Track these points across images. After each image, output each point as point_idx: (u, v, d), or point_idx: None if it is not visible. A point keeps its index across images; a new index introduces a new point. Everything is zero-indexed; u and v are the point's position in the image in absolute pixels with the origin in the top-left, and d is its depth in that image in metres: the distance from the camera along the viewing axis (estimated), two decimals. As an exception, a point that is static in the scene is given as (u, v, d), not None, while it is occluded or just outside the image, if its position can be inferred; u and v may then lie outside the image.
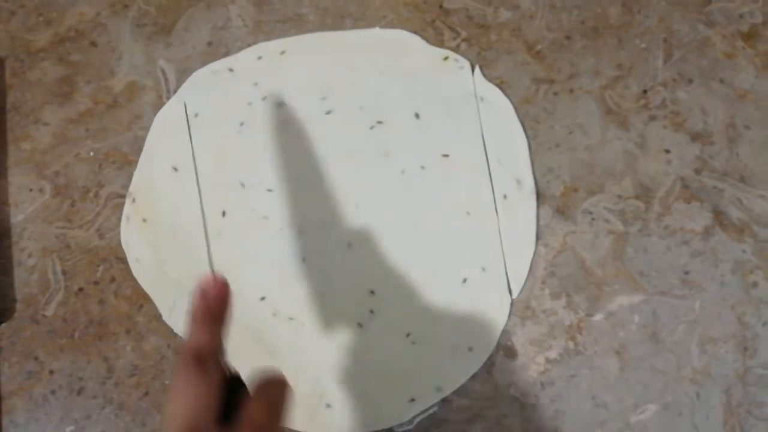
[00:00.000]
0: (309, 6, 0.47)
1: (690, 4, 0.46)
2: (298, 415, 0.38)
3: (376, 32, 0.46)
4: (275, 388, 0.30)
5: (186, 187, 0.42)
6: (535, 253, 0.41)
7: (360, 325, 0.40)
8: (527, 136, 0.43)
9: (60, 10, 0.47)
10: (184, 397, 0.27)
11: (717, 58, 0.45)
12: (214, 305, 0.30)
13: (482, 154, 0.43)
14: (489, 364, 0.39)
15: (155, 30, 0.47)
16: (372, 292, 0.40)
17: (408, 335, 0.40)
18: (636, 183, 0.42)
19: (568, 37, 0.46)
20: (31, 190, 0.43)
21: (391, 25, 0.46)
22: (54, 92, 0.45)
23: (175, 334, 0.40)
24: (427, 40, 0.46)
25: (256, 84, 0.45)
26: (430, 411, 0.39)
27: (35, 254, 0.42)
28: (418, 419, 0.39)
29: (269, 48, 0.46)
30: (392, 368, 0.39)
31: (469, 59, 0.45)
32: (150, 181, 0.43)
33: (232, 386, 0.30)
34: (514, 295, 0.40)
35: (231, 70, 0.45)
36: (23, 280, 0.41)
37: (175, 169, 0.42)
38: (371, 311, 0.40)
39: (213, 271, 0.41)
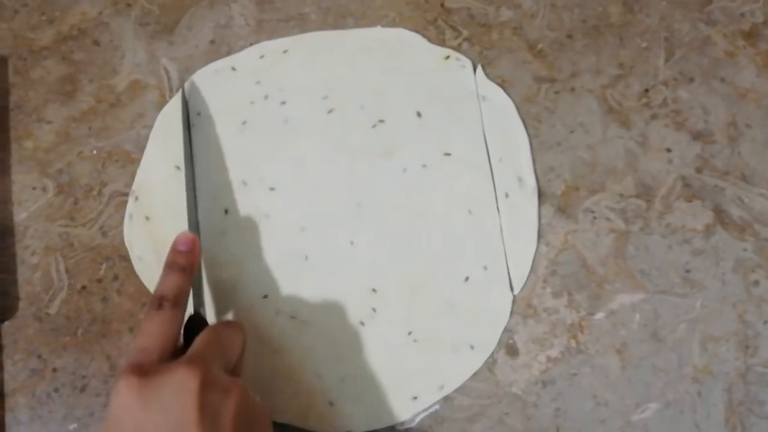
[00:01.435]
0: (311, 5, 0.47)
1: (691, 3, 0.46)
2: (300, 412, 0.38)
3: (378, 31, 0.46)
4: (223, 328, 0.34)
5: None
6: (536, 252, 0.41)
7: (362, 323, 0.40)
8: (529, 135, 0.43)
9: (63, 9, 0.47)
10: (140, 335, 0.32)
11: (718, 57, 0.45)
12: (180, 257, 0.35)
13: (484, 152, 0.43)
14: (491, 363, 0.39)
15: (158, 29, 0.47)
16: (374, 290, 0.40)
17: (410, 333, 0.40)
18: (637, 182, 0.42)
19: (569, 36, 0.46)
20: (34, 188, 0.43)
21: (393, 24, 0.46)
22: (57, 91, 0.45)
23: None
24: (429, 39, 0.46)
25: (258, 83, 0.45)
26: (432, 409, 0.39)
27: (38, 252, 0.42)
28: (420, 417, 0.39)
29: (271, 47, 0.46)
30: (394, 366, 0.39)
31: (470, 58, 0.45)
32: (153, 179, 0.43)
33: (198, 325, 0.35)
34: (516, 293, 0.40)
35: (233, 68, 0.45)
36: (26, 278, 0.41)
37: (178, 168, 0.42)
38: (373, 309, 0.40)
39: (214, 263, 0.41)
